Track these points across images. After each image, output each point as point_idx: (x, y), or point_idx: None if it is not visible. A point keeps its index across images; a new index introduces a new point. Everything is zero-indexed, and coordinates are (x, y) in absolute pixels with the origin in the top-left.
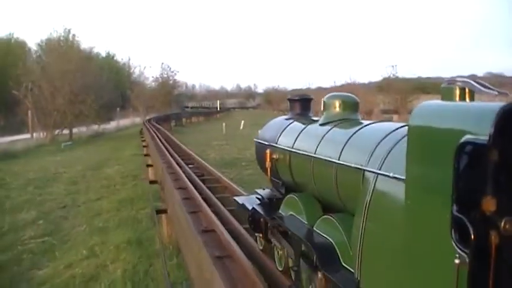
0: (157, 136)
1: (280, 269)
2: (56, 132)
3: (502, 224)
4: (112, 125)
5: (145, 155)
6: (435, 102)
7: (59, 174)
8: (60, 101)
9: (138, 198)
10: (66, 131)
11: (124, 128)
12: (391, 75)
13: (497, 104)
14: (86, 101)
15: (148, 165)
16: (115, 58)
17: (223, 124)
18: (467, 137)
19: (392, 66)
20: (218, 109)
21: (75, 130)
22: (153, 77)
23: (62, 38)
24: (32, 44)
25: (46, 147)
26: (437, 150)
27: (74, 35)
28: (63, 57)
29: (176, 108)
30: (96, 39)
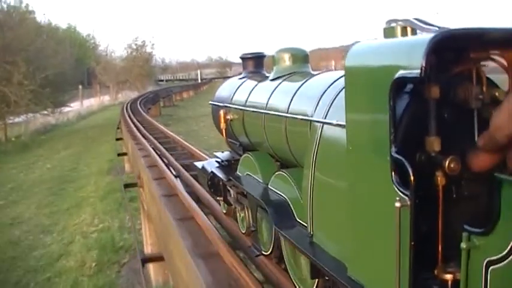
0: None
1: (243, 231)
2: None
3: (447, 163)
4: (73, 108)
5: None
6: (370, 41)
7: None
8: None
9: None
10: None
11: (88, 113)
12: None
13: (429, 35)
14: (10, 78)
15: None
16: (77, 30)
17: None
18: (400, 72)
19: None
20: (200, 80)
21: (18, 120)
22: (124, 44)
23: (12, 10)
24: None
25: None
26: (373, 90)
27: (27, 5)
28: None
29: (150, 83)
30: (56, 15)
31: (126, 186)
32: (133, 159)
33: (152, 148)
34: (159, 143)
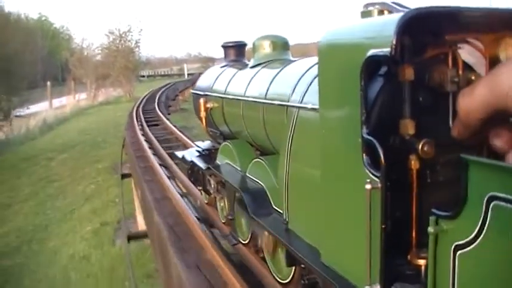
0: None
1: (223, 221)
2: None
3: (421, 146)
4: (39, 110)
5: None
6: (343, 23)
7: None
8: None
9: None
10: None
11: (58, 120)
12: None
13: (400, 14)
14: None
15: None
16: (48, 21)
17: None
18: (372, 51)
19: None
20: (186, 76)
21: None
22: (105, 30)
23: None
24: None
25: None
26: (345, 70)
27: None
28: None
29: (134, 79)
30: (26, 5)
31: None
32: None
33: None
34: None
